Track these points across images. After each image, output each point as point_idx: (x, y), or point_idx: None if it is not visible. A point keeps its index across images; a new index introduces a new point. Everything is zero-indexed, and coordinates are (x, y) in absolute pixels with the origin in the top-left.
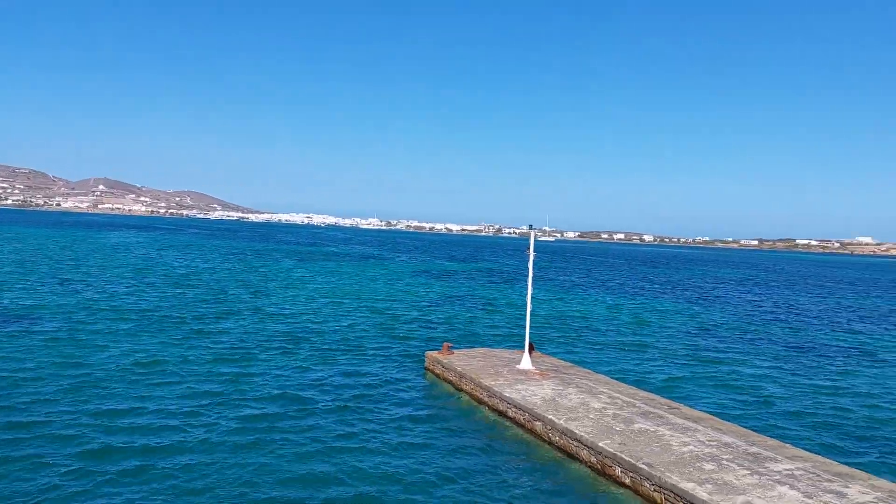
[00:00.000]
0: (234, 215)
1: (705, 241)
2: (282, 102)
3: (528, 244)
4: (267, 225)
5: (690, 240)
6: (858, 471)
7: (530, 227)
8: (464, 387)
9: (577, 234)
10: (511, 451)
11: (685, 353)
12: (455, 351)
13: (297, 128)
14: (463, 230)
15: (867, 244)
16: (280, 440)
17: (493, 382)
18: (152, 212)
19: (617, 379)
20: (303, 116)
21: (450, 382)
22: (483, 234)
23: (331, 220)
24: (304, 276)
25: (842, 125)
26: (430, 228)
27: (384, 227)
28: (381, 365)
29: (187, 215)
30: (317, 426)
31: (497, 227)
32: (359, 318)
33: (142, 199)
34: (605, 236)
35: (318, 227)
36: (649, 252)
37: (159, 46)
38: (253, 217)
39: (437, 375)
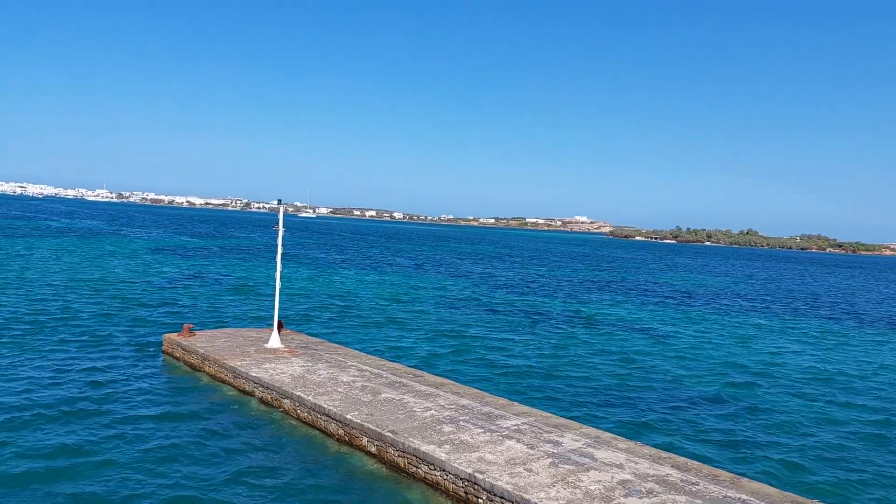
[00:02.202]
0: None
1: (450, 220)
2: None
3: (279, 219)
4: None
5: (437, 217)
6: (572, 421)
7: (279, 201)
8: (207, 369)
9: (329, 210)
10: (260, 431)
11: (434, 325)
12: (197, 332)
13: None
14: (207, 204)
15: (583, 222)
16: None
17: (239, 363)
18: None
19: (369, 353)
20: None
21: (192, 366)
22: (230, 208)
23: (50, 190)
24: (13, 252)
25: (563, 118)
26: (170, 202)
27: (115, 200)
28: (112, 354)
29: None
30: (25, 440)
31: (245, 201)
32: (85, 301)
33: None
34: (357, 213)
35: (33, 198)
36: (401, 229)
37: None
38: None
39: (178, 359)
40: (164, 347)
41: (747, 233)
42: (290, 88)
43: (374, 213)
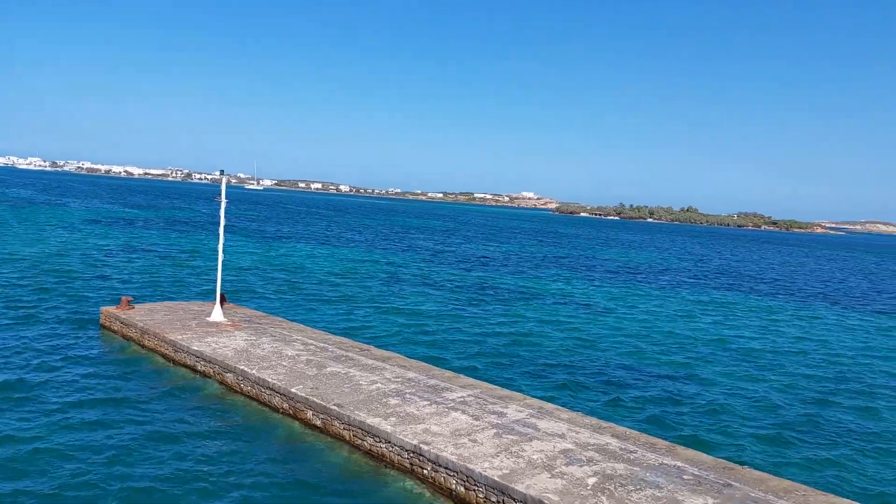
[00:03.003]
0: None
1: (397, 193)
2: None
3: (221, 191)
4: None
5: (384, 191)
6: (517, 393)
7: (221, 172)
8: (146, 343)
9: (274, 182)
10: (201, 406)
11: (382, 300)
12: (136, 306)
13: None
14: (146, 174)
15: (530, 198)
16: None
17: (179, 336)
18: None
19: (315, 327)
20: None
21: (131, 340)
22: (170, 178)
23: None
24: None
25: (512, 94)
26: (107, 171)
27: (49, 169)
28: (46, 329)
29: None
30: None
31: (186, 172)
32: (19, 274)
33: None
34: (302, 185)
35: None
36: (348, 202)
37: None
38: None
39: (116, 333)
40: (101, 321)
41: (687, 210)
42: (231, 56)
43: (319, 185)
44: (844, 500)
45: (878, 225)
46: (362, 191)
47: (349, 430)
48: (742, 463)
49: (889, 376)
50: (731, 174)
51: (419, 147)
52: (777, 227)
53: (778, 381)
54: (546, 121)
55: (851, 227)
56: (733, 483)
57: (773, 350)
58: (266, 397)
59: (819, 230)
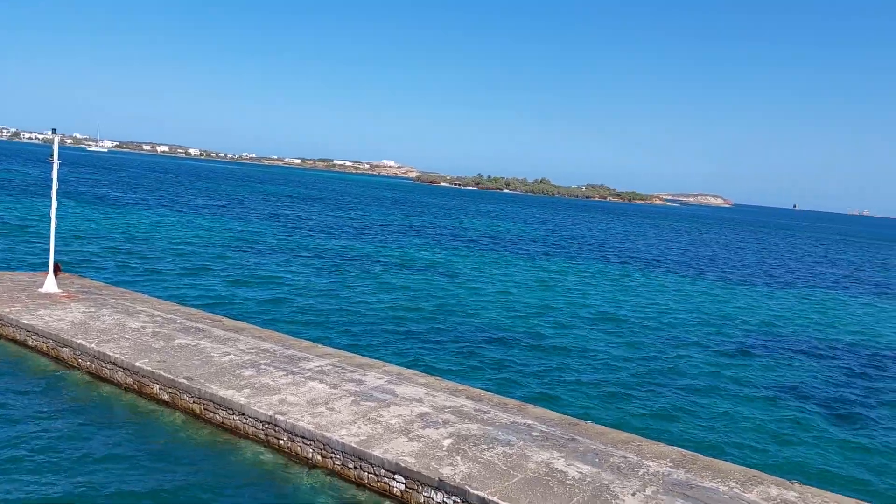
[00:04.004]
0: None
1: (252, 158)
2: None
3: (53, 151)
4: None
5: (238, 156)
6: (376, 360)
7: (54, 131)
8: None
9: (115, 144)
10: (35, 385)
11: (236, 270)
12: None
13: None
14: None
15: (391, 166)
16: None
17: (7, 309)
18: None
19: (163, 298)
20: None
21: None
22: None
23: None
24: None
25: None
26: None
27: None
28: None
29: None
30: None
31: (14, 130)
32: None
33: None
34: (147, 148)
35: None
36: (198, 167)
37: None
38: None
39: None
40: None
41: (541, 181)
42: (62, 4)
43: (166, 148)
44: (672, 447)
45: (707, 198)
46: (214, 155)
47: (200, 403)
48: (586, 418)
49: (718, 336)
50: (582, 148)
51: (275, 110)
52: (621, 198)
53: (622, 343)
54: (407, 89)
55: (685, 199)
56: (577, 437)
57: (618, 314)
58: (108, 372)
59: (658, 202)
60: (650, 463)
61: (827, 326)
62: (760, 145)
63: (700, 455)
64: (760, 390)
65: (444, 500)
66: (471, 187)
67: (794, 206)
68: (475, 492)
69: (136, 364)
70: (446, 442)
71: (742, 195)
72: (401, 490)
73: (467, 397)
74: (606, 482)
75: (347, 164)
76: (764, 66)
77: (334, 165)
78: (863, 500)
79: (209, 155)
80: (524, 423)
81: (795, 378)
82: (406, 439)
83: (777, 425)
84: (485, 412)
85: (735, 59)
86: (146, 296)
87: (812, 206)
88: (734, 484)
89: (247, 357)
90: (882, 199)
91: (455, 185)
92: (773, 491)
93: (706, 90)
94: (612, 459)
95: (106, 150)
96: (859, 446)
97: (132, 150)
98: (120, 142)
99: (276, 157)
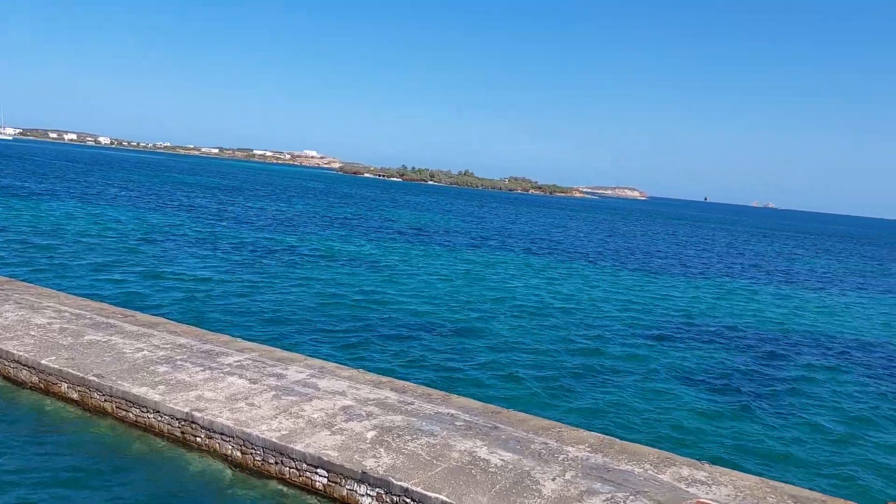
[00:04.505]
0: None
1: (167, 147)
2: None
3: None
4: None
5: (152, 145)
6: (297, 354)
7: None
8: None
9: (18, 131)
10: None
11: (152, 264)
12: None
13: None
14: None
15: (313, 157)
16: None
17: None
18: None
19: (72, 293)
20: None
21: None
22: None
23: None
24: None
25: (292, 46)
26: None
27: None
28: None
29: None
30: None
31: None
32: None
33: None
34: (54, 136)
35: None
36: (110, 156)
37: None
38: None
39: None
40: None
41: (465, 174)
42: None
43: (74, 136)
44: (591, 432)
45: (624, 190)
46: (126, 143)
47: (111, 401)
48: (510, 407)
49: (637, 325)
50: (504, 141)
51: (191, 98)
52: (542, 190)
53: (545, 332)
54: (330, 79)
55: (603, 191)
56: (500, 425)
57: (542, 304)
58: (11, 371)
59: (577, 194)
60: (570, 448)
61: (737, 314)
62: (674, 140)
63: (617, 439)
64: (675, 376)
65: (368, 492)
66: (395, 178)
67: (706, 199)
68: (398, 483)
69: (43, 362)
70: (370, 434)
71: (657, 188)
72: (323, 484)
73: (391, 389)
74: (528, 468)
75: (268, 154)
76: (675, 65)
77: (254, 156)
78: (764, 475)
79: (121, 143)
80: (448, 413)
81: (707, 364)
82: (329, 433)
83: (690, 409)
84: (409, 403)
85: (647, 56)
86: (53, 290)
87: (722, 199)
88: (648, 466)
89: (161, 353)
90: (785, 194)
91: (379, 176)
92: (685, 471)
93: (622, 87)
94: (533, 446)
95: (10, 137)
96: (765, 426)
97: (38, 138)
98: (24, 129)
99: (192, 146)
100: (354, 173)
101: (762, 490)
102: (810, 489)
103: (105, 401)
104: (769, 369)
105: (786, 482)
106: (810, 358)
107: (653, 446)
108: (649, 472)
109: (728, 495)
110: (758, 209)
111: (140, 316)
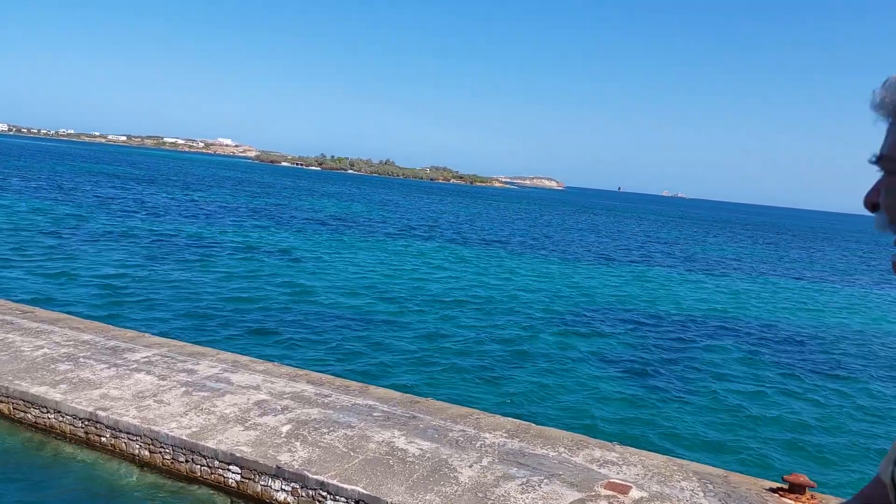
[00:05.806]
0: None
1: (71, 135)
2: None
3: None
4: None
5: (53, 132)
6: (209, 348)
7: None
8: None
9: None
10: None
11: (51, 257)
12: None
13: None
14: None
15: (227, 145)
16: None
17: None
18: None
19: None
20: None
21: None
22: None
23: None
24: None
25: (202, 29)
26: None
27: None
28: None
29: None
30: None
31: None
32: None
33: None
34: None
35: None
36: (7, 143)
37: None
38: None
39: None
40: None
41: (386, 163)
42: None
43: None
44: (508, 418)
45: (542, 180)
46: (25, 130)
47: (7, 402)
48: (428, 396)
49: (556, 312)
50: (424, 131)
51: (96, 82)
52: (463, 180)
53: (465, 320)
54: (244, 65)
55: (522, 181)
56: (418, 415)
57: (463, 294)
58: None
59: (497, 184)
60: (487, 435)
61: (651, 300)
62: (589, 133)
63: (533, 424)
64: (592, 361)
65: (283, 487)
66: (314, 167)
67: (619, 189)
68: (314, 476)
69: None
70: (285, 428)
71: (573, 178)
72: (236, 480)
73: (308, 382)
74: (445, 456)
75: (180, 142)
76: (592, 58)
77: (165, 143)
78: (672, 454)
79: (19, 130)
80: (366, 405)
81: (622, 349)
82: (242, 428)
83: (605, 392)
84: (326, 396)
85: (563, 49)
86: None
87: (634, 189)
88: (563, 449)
89: (63, 350)
90: (693, 182)
91: (297, 164)
92: (597, 453)
93: (540, 78)
94: (451, 434)
95: None
96: (674, 407)
97: None
98: None
99: (97, 133)
100: (271, 162)
101: (669, 468)
102: (714, 466)
103: (1, 402)
104: (679, 353)
105: (692, 460)
106: (718, 341)
107: (568, 430)
108: (563, 455)
109: (637, 474)
110: (668, 198)
111: (40, 312)
